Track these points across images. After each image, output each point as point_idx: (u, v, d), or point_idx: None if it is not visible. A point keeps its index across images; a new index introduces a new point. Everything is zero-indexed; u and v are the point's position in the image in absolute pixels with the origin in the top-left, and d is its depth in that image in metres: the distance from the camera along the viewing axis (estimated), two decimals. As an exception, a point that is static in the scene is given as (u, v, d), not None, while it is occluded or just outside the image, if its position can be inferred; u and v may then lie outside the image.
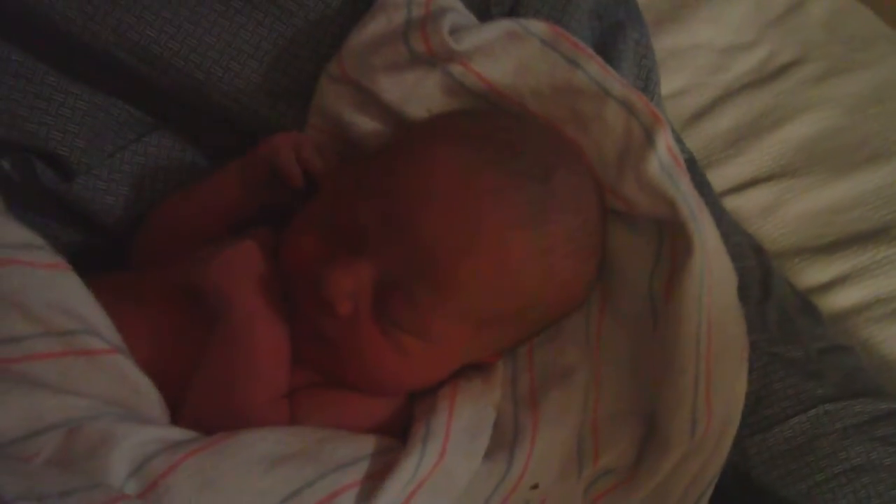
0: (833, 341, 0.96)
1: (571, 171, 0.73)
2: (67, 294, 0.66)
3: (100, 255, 0.86)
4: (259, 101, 0.84)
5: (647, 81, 0.91)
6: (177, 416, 0.69)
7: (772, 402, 0.87)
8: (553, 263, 0.72)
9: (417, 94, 0.78)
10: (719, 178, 1.17)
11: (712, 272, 0.73)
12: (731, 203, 1.15)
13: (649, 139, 0.73)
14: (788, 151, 1.20)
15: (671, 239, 0.76)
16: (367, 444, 0.69)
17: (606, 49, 0.88)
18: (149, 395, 0.67)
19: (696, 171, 1.01)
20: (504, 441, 0.75)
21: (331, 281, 0.68)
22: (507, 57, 0.78)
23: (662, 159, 0.73)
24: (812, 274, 1.10)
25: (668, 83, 1.22)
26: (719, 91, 1.25)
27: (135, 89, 0.86)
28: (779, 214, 1.15)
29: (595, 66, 0.76)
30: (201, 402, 0.70)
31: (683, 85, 1.25)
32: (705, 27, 1.29)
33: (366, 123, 0.81)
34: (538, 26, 0.79)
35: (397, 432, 0.73)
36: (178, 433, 0.64)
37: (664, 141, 0.74)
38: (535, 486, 0.73)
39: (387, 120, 0.81)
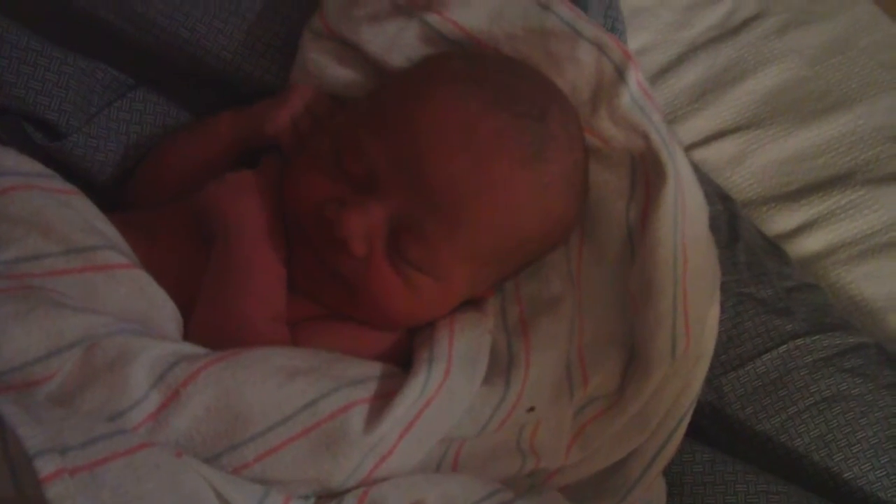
0: (801, 280, 0.99)
1: (563, 110, 0.76)
2: (87, 213, 0.69)
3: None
4: (242, 57, 0.86)
5: (612, 31, 0.92)
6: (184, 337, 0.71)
7: (743, 340, 0.91)
8: (551, 200, 0.75)
9: (398, 44, 0.80)
10: (686, 132, 1.20)
11: (685, 199, 0.76)
12: (699, 155, 1.18)
13: (621, 75, 0.76)
14: (753, 103, 1.23)
15: (644, 172, 0.79)
16: (374, 368, 0.71)
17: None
18: (164, 309, 0.70)
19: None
20: (500, 368, 0.78)
21: (347, 222, 0.70)
22: (480, 4, 0.80)
23: (634, 94, 0.76)
24: (779, 221, 1.13)
25: (634, 41, 1.24)
26: (684, 47, 1.28)
27: (119, 51, 0.87)
28: (745, 165, 1.18)
29: (566, 10, 0.79)
30: (202, 319, 0.72)
31: (648, 42, 1.27)
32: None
33: (349, 76, 0.83)
34: None
35: (397, 363, 0.75)
36: (191, 348, 0.66)
37: (635, 77, 0.76)
38: (532, 409, 0.77)
39: (369, 72, 0.83)
